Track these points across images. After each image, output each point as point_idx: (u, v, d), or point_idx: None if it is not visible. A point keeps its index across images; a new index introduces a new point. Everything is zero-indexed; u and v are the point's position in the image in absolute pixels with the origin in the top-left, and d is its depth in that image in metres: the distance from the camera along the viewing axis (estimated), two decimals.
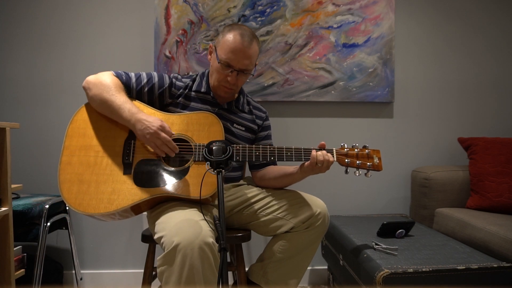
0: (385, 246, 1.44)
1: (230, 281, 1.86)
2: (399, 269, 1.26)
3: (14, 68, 2.01)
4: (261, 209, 1.44)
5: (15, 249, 1.55)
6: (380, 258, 1.35)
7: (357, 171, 1.35)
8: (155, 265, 1.43)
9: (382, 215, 2.06)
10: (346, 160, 1.35)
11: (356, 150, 1.37)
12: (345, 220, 1.92)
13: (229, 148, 1.13)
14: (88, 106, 1.40)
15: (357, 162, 1.35)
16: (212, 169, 1.10)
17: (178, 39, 2.02)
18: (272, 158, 1.36)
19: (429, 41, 2.18)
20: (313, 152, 1.32)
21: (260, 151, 1.36)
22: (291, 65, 2.06)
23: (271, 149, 1.36)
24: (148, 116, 1.29)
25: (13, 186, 1.50)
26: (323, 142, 1.36)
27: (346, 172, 1.36)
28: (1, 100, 2.01)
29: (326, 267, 2.10)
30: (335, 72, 2.08)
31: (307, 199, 1.42)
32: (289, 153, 1.36)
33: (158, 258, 1.13)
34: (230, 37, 1.40)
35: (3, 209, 1.43)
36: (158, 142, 1.27)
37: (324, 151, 1.33)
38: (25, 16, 2.01)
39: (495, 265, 1.30)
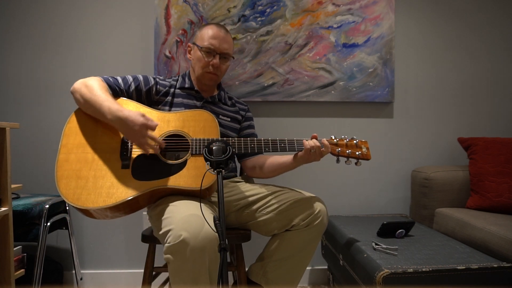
0: (385, 246, 1.44)
1: (230, 281, 1.86)
2: (399, 269, 1.26)
3: (14, 68, 2.01)
4: (260, 209, 1.44)
5: (15, 249, 1.55)
6: (380, 258, 1.35)
7: (347, 160, 1.42)
8: (155, 265, 1.43)
9: (382, 215, 2.06)
10: (337, 149, 1.42)
11: (345, 140, 1.45)
12: (345, 220, 1.92)
13: (229, 148, 1.13)
14: None
15: (347, 151, 1.42)
16: (212, 169, 1.10)
17: (178, 39, 2.02)
18: (267, 149, 1.42)
19: (429, 41, 2.18)
20: (305, 141, 1.39)
21: (255, 144, 1.42)
22: (291, 65, 2.06)
23: (265, 141, 1.42)
24: (129, 113, 1.27)
25: (13, 186, 1.50)
26: (315, 134, 1.43)
27: (338, 161, 1.42)
28: (1, 100, 2.01)
29: (326, 267, 2.10)
30: (335, 72, 2.08)
31: (306, 198, 1.43)
32: (282, 144, 1.42)
33: (164, 246, 1.12)
34: (208, 29, 1.57)
35: (3, 209, 1.43)
36: (143, 140, 1.27)
37: (314, 140, 1.40)
38: (26, 16, 2.01)
39: (495, 265, 1.30)
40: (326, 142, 1.39)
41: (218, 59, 1.54)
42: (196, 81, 1.61)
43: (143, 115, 1.27)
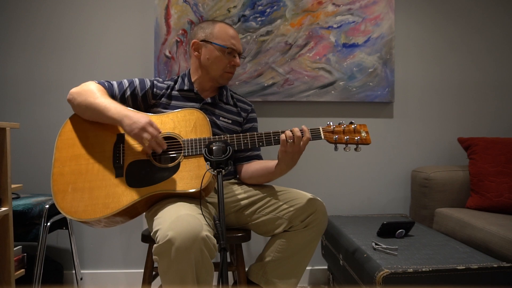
0: (385, 246, 1.44)
1: (230, 281, 1.86)
2: (399, 269, 1.26)
3: (14, 68, 2.01)
4: (259, 210, 1.44)
5: (15, 249, 1.56)
6: (380, 258, 1.35)
7: (346, 147, 1.36)
8: (155, 265, 1.43)
9: (382, 215, 2.07)
10: (334, 137, 1.36)
11: (342, 126, 1.38)
12: (345, 220, 1.92)
13: (229, 148, 1.13)
14: (73, 118, 1.42)
15: (345, 137, 1.36)
16: (212, 169, 1.10)
17: (178, 39, 2.02)
18: (246, 146, 1.35)
19: (429, 41, 2.18)
20: (281, 135, 1.32)
21: (235, 139, 1.36)
22: (291, 65, 2.06)
23: (244, 136, 1.36)
24: (135, 113, 1.31)
25: (13, 186, 1.50)
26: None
27: (336, 149, 1.36)
28: (1, 100, 2.01)
29: (326, 267, 2.10)
30: (335, 72, 2.08)
31: (305, 198, 1.42)
32: (259, 137, 1.36)
33: (153, 247, 1.13)
34: (222, 27, 1.54)
35: (3, 209, 1.43)
36: (147, 136, 1.26)
37: (295, 128, 1.32)
38: (26, 16, 2.01)
39: (495, 265, 1.30)
40: (305, 128, 1.32)
41: (238, 58, 1.56)
42: (198, 81, 1.56)
43: (148, 116, 1.31)
